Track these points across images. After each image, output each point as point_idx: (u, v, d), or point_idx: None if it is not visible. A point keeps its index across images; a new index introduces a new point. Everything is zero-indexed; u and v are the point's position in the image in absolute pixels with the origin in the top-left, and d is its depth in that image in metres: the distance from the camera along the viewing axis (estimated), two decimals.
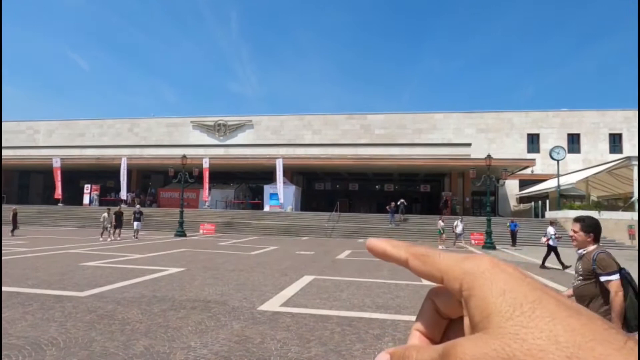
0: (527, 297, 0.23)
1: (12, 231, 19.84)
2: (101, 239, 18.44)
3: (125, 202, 33.62)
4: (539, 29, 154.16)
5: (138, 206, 23.18)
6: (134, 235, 20.23)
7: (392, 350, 0.28)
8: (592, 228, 3.21)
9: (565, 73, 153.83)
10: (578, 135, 36.17)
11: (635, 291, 2.99)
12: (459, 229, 20.15)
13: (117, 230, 19.64)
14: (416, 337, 0.30)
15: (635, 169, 23.17)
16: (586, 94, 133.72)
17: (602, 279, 3.03)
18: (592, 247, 3.19)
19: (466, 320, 0.26)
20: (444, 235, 20.33)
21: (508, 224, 21.83)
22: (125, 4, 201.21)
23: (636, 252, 15.46)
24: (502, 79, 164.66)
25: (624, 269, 3.02)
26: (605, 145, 35.74)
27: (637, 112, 30.90)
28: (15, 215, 20.30)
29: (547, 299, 0.22)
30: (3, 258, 11.35)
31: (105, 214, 19.28)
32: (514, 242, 20.80)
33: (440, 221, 21.27)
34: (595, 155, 34.83)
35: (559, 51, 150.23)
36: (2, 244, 15.32)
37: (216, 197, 34.66)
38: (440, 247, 19.11)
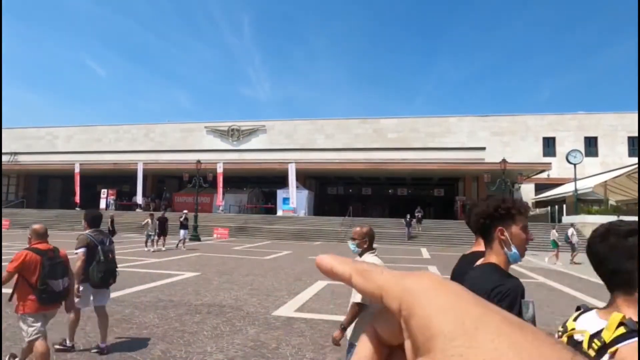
0: (469, 314, 0.21)
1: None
2: (146, 248, 16.31)
3: (141, 206, 34.13)
4: (554, 32, 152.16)
5: (185, 211, 20.29)
6: (181, 246, 17.85)
7: None
8: (90, 221, 4.95)
9: (581, 75, 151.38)
10: (595, 138, 35.49)
11: None
12: (575, 239, 16.41)
13: (161, 239, 17.19)
14: None
15: None
16: (603, 96, 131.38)
17: (75, 251, 4.70)
18: (87, 231, 4.91)
19: (407, 344, 0.23)
20: (556, 250, 16.47)
21: None
22: (139, 10, 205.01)
23: None
24: (517, 82, 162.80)
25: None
26: (624, 148, 34.97)
27: None
28: (112, 221, 19.49)
29: (491, 314, 0.21)
30: None
31: (148, 220, 16.78)
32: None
33: (554, 230, 17.59)
34: (614, 158, 34.09)
35: (575, 53, 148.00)
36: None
37: (230, 201, 34.91)
38: (555, 262, 15.79)
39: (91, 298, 4.78)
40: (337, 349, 4.93)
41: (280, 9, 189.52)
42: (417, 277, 0.24)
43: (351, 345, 3.18)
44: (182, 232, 18.10)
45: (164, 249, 16.80)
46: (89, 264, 4.67)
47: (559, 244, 16.75)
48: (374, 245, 3.38)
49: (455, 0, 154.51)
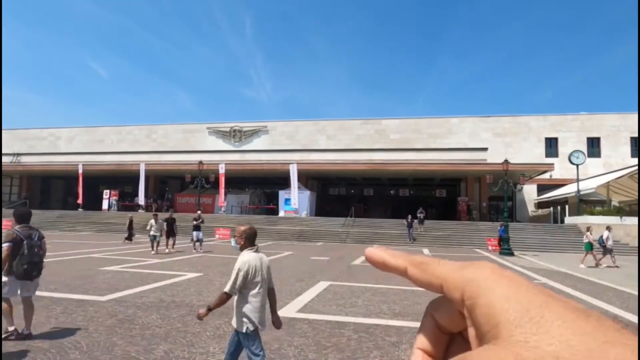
0: (533, 302, 0.22)
1: (128, 238, 19.64)
2: (153, 251, 15.35)
3: (142, 207, 34.18)
4: (555, 32, 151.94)
5: (199, 212, 19.60)
6: (196, 248, 17.01)
7: None
8: (17, 218, 5.18)
9: (584, 76, 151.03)
10: (598, 139, 35.38)
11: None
12: (610, 242, 15.72)
13: (168, 241, 16.47)
14: (419, 356, 0.29)
15: None
16: (606, 97, 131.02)
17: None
18: (16, 227, 5.08)
19: (471, 332, 0.24)
20: (594, 251, 15.63)
21: (498, 228, 20.97)
22: (140, 11, 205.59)
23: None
24: (518, 83, 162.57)
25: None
26: (626, 149, 34.86)
27: None
28: (131, 222, 19.92)
29: (554, 302, 0.22)
30: None
31: (152, 221, 15.88)
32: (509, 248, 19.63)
33: (588, 232, 16.60)
34: (616, 159, 33.99)
35: (577, 54, 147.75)
36: None
37: (232, 202, 34.95)
38: (584, 265, 15.25)
39: (19, 290, 5.10)
40: (340, 349, 4.94)
41: (281, 10, 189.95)
42: (477, 267, 0.25)
43: (236, 332, 3.49)
44: (195, 233, 17.47)
45: (167, 250, 16.13)
46: (13, 257, 4.95)
47: (594, 245, 15.84)
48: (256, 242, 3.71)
49: (456, 1, 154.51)
